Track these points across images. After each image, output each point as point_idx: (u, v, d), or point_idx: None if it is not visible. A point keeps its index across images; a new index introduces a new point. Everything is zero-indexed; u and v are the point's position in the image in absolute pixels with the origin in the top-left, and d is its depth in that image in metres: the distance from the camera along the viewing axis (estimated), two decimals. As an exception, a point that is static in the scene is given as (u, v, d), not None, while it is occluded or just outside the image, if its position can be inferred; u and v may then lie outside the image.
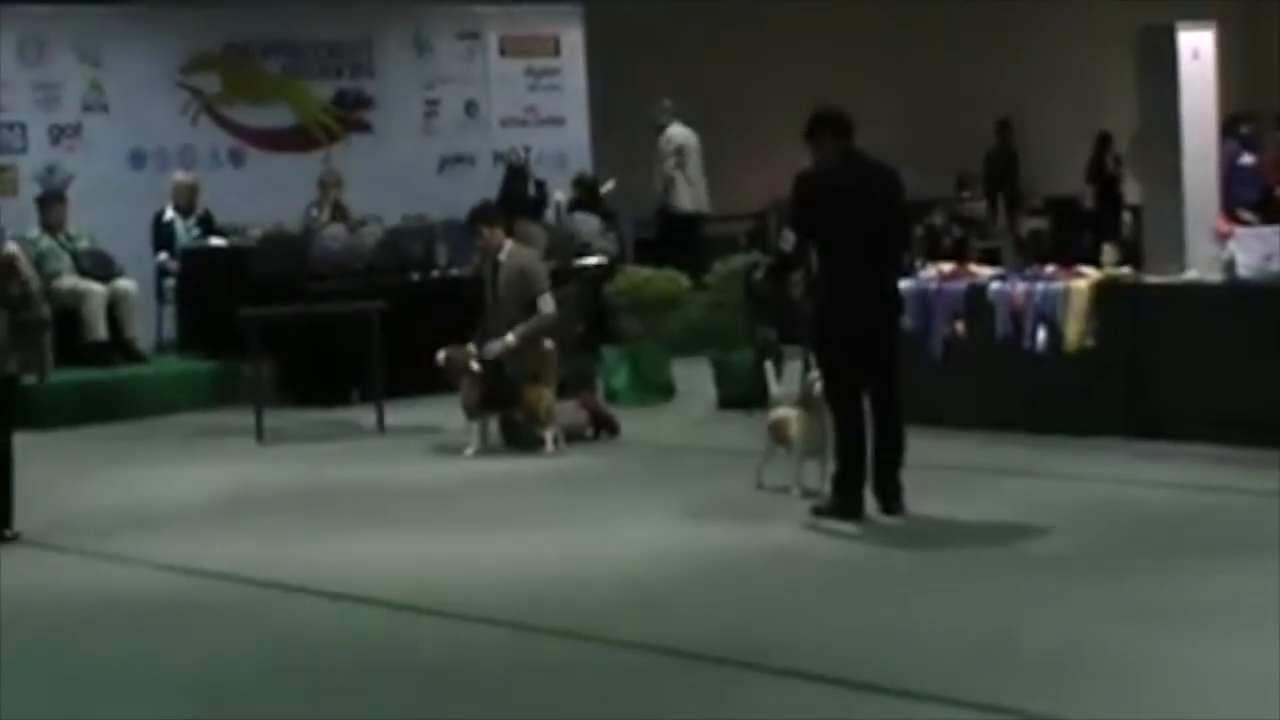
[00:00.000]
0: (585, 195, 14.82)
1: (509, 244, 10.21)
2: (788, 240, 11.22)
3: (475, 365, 9.89)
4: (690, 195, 15.61)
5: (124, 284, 12.01)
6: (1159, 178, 11.17)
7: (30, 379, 8.28)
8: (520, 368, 9.89)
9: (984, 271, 10.50)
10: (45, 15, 14.01)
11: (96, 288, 12.32)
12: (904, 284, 9.26)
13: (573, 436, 9.93)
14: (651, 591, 6.71)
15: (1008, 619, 6.13)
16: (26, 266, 8.34)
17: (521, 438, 9.94)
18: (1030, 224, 18.82)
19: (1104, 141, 18.18)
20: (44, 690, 5.90)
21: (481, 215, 10.46)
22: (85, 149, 14.05)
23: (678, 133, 15.59)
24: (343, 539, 7.86)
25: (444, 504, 8.63)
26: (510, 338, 9.90)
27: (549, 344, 9.95)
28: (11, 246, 8.41)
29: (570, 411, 10.06)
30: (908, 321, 9.38)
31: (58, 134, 14.00)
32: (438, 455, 9.94)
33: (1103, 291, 9.49)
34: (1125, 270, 10.04)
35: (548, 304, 10.01)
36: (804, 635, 6.07)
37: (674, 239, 15.12)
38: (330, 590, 6.88)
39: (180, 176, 13.59)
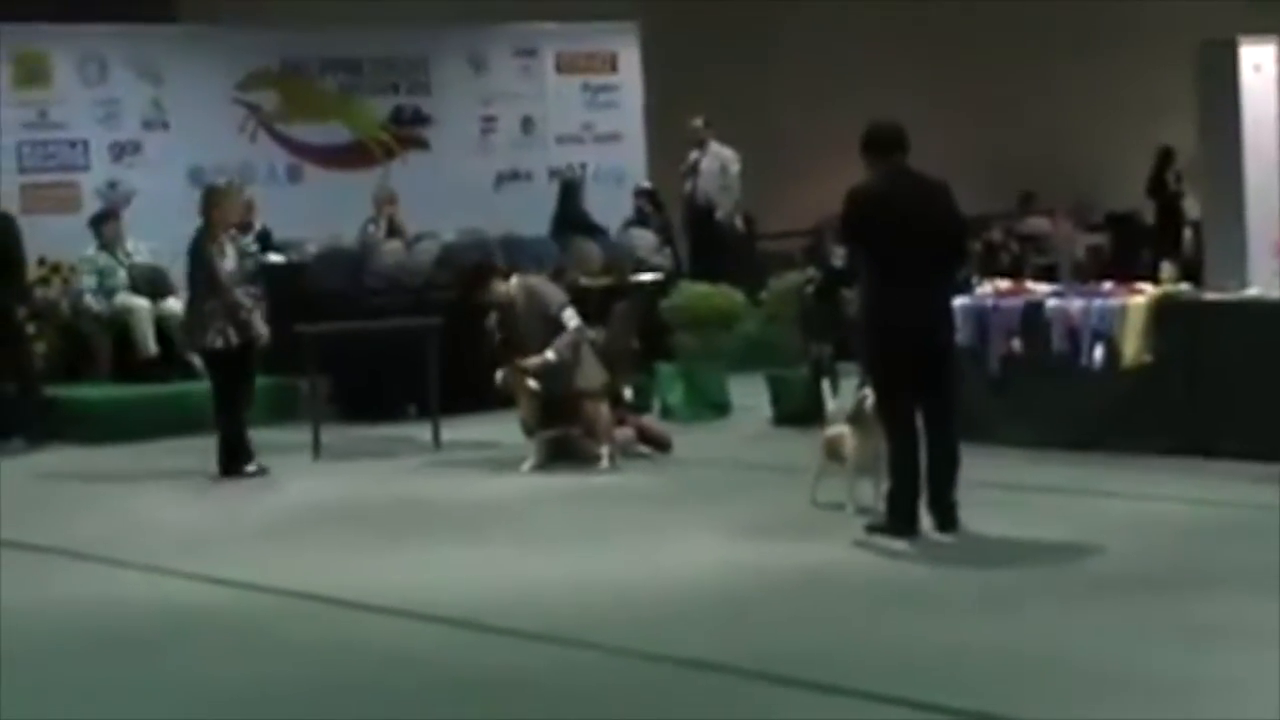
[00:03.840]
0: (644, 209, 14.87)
1: (514, 280, 10.21)
2: (839, 256, 11.28)
3: (534, 383, 9.95)
4: (729, 212, 15.68)
5: (171, 302, 12.13)
6: (1220, 193, 11.14)
7: None
8: (561, 384, 9.93)
9: (1041, 288, 10.47)
10: (105, 34, 14.24)
11: (144, 304, 12.45)
12: (960, 300, 9.38)
13: (624, 454, 9.96)
14: (705, 608, 6.74)
15: (1062, 638, 6.12)
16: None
17: (577, 454, 10.00)
18: (1090, 240, 18.76)
19: (1165, 157, 18.10)
20: (99, 703, 5.95)
21: (480, 278, 10.31)
22: (145, 165, 14.25)
23: (720, 151, 15.66)
24: (401, 555, 7.90)
25: (501, 520, 8.68)
26: (549, 354, 9.94)
27: (594, 361, 10.04)
28: None
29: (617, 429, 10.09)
30: (964, 338, 9.44)
31: (119, 151, 14.22)
32: (495, 471, 9.99)
33: (1160, 308, 9.47)
34: (1184, 287, 10.00)
35: (572, 318, 10.04)
36: (854, 653, 6.09)
37: (714, 248, 15.19)
38: (389, 606, 6.92)
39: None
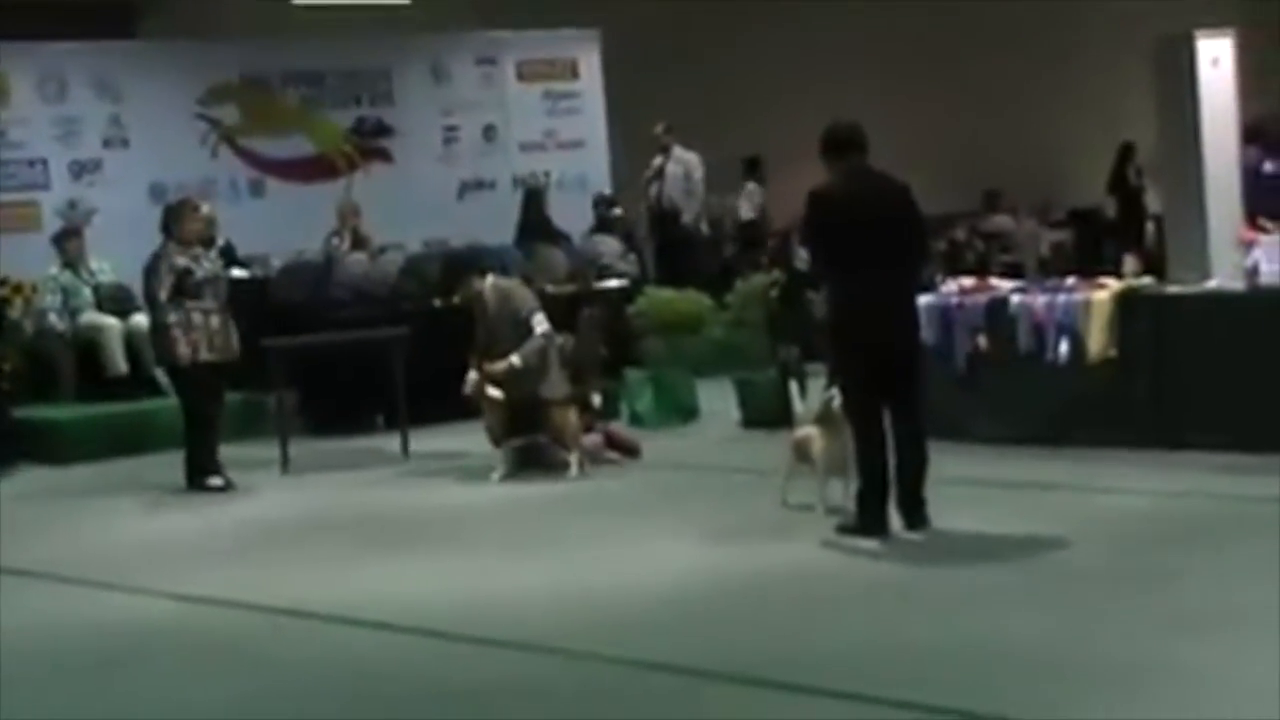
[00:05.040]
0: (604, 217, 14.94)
1: (489, 279, 10.26)
2: (803, 258, 11.29)
3: (497, 392, 9.94)
4: (694, 215, 15.77)
5: (139, 319, 12.02)
6: (1181, 187, 11.17)
7: None
8: (526, 390, 9.94)
9: (1005, 285, 10.50)
10: (64, 52, 14.21)
11: (113, 322, 12.40)
12: (925, 299, 9.40)
13: (593, 460, 9.97)
14: (676, 612, 6.74)
15: (1037, 634, 6.13)
16: None
17: (546, 462, 10.01)
18: (1053, 236, 18.84)
19: (1126, 152, 18.20)
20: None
21: (459, 275, 10.48)
22: (106, 184, 14.23)
23: (684, 156, 15.74)
24: (371, 566, 7.89)
25: (472, 529, 8.68)
26: (515, 359, 9.94)
27: (558, 367, 10.08)
28: None
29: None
30: (929, 336, 9.45)
31: (78, 169, 14.20)
32: (465, 480, 9.99)
33: (1124, 302, 9.51)
34: (1147, 280, 10.05)
35: (541, 323, 10.05)
36: (827, 652, 6.09)
37: (675, 249, 15.28)
38: (361, 618, 6.90)
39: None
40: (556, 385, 10.08)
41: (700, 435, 11.30)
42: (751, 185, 17.24)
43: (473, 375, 10.01)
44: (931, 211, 8.40)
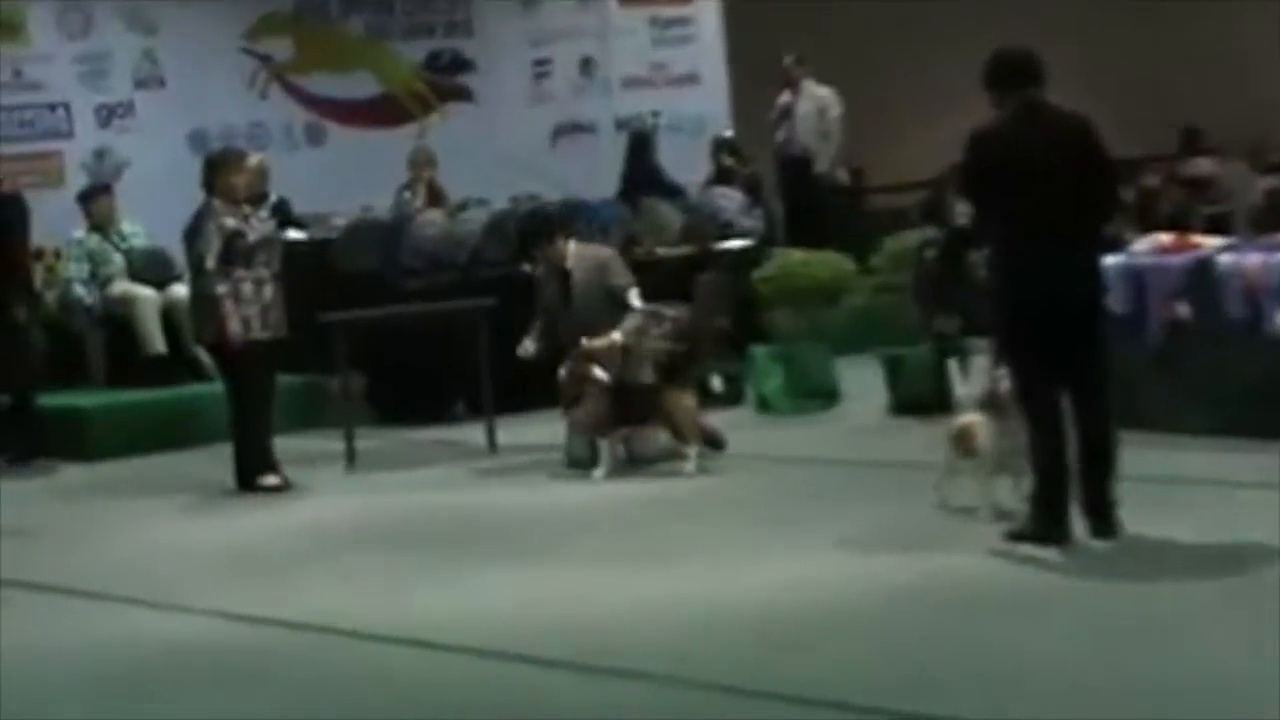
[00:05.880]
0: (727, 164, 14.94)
1: (572, 246, 10.38)
2: (963, 212, 11.08)
3: (602, 373, 9.99)
4: (830, 162, 15.79)
5: (178, 290, 12.14)
6: None
7: None
8: (632, 372, 10.03)
9: (1211, 242, 10.38)
10: (90, -22, 14.32)
11: (148, 293, 12.48)
12: (1112, 259, 9.31)
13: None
14: (816, 637, 6.73)
15: (1252, 666, 6.04)
16: None
17: (656, 456, 10.07)
18: (1269, 183, 18.53)
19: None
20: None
21: (542, 229, 10.59)
22: (139, 131, 14.39)
23: (817, 93, 15.71)
24: (453, 581, 7.93)
25: (569, 536, 8.72)
26: (618, 335, 10.02)
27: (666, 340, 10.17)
28: None
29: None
30: (1117, 305, 9.37)
31: (107, 115, 14.35)
32: (560, 479, 10.03)
33: (1357, 262, 9.39)
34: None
35: (637, 299, 10.15)
36: (992, 686, 6.04)
37: (813, 207, 15.31)
38: (442, 642, 6.94)
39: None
40: (663, 367, 10.17)
41: (840, 423, 11.29)
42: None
43: (564, 365, 10.07)
44: (1120, 154, 8.30)
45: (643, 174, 14.72)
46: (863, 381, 11.52)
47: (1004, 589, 7.20)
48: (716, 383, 10.65)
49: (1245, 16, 18.67)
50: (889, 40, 16.99)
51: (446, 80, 15.82)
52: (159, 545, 9.21)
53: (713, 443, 10.18)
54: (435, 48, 15.80)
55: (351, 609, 7.50)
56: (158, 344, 12.41)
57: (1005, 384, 7.93)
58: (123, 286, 12.60)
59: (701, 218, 13.93)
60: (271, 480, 10.17)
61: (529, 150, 15.55)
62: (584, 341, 10.08)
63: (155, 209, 12.71)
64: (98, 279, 12.65)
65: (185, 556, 8.88)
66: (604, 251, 10.67)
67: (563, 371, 10.10)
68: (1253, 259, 9.70)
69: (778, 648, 6.60)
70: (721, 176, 15.02)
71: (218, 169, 10.30)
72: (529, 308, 10.65)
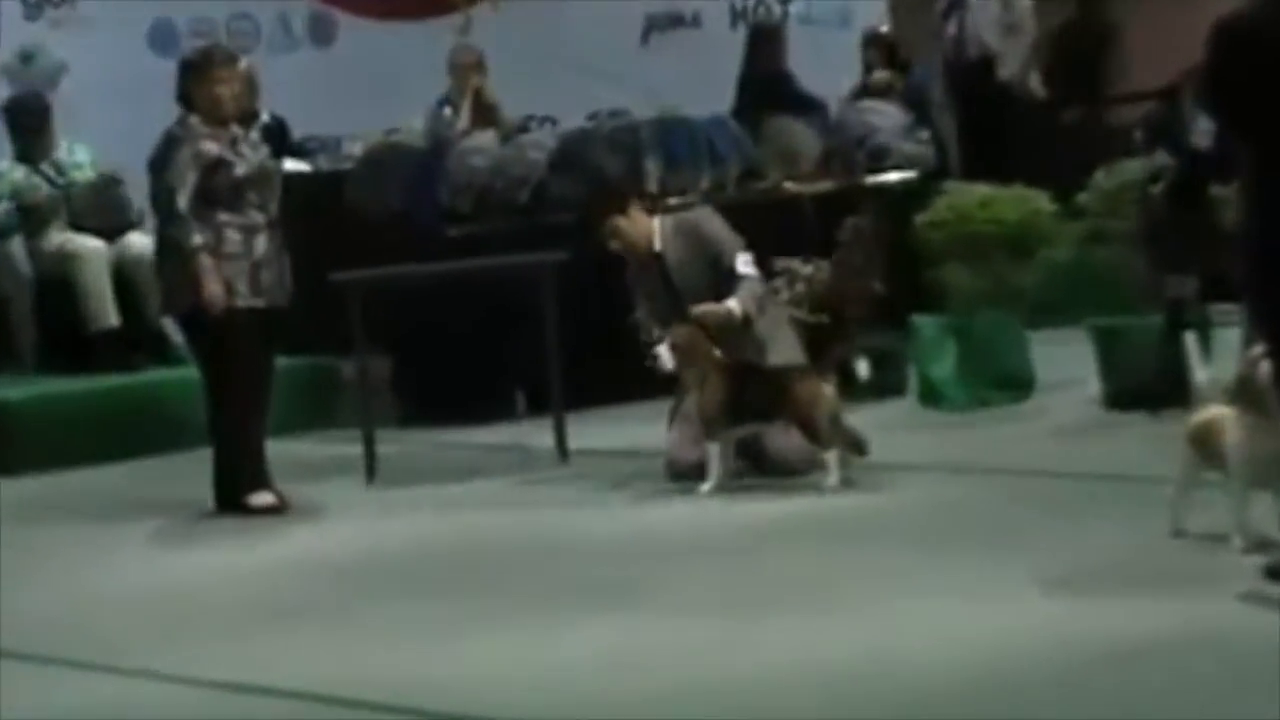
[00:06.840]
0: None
1: (657, 221, 10.37)
2: (1206, 133, 11.03)
3: (719, 353, 9.96)
4: (1021, 66, 15.85)
5: (136, 241, 12.15)
6: None
7: None
8: (749, 354, 10.05)
9: None
10: None
11: (95, 246, 12.49)
12: None
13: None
14: (999, 703, 6.64)
15: None
16: None
17: (783, 465, 10.02)
18: None
19: None
20: None
21: (603, 205, 10.48)
22: (81, 24, 14.31)
23: None
24: (508, 638, 7.86)
25: (671, 574, 8.64)
26: (733, 304, 10.02)
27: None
28: None
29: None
30: None
31: (38, 3, 14.19)
32: (653, 495, 9.98)
33: None
34: None
35: (748, 265, 10.23)
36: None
37: (997, 128, 15.42)
38: (492, 715, 6.88)
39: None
40: (792, 348, 10.18)
41: (1036, 421, 11.21)
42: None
43: (665, 341, 10.00)
44: None
45: (767, 82, 14.76)
46: (1067, 364, 11.51)
47: (1265, 647, 6.93)
48: (863, 367, 10.54)
49: None
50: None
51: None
52: (110, 590, 9.13)
53: (851, 447, 10.18)
54: (484, -91, 16.16)
55: (370, 676, 7.44)
56: (108, 315, 12.40)
57: (1265, 368, 7.71)
58: (61, 237, 12.57)
59: (846, 141, 13.86)
60: (264, 499, 10.08)
61: (612, 51, 15.50)
62: (694, 309, 10.13)
63: (105, 131, 12.75)
64: (26, 226, 12.59)
65: (146, 605, 8.81)
66: (692, 216, 10.67)
67: (662, 351, 9.97)
68: None
69: (960, 718, 6.80)
70: (873, 87, 15.07)
71: (197, 76, 10.17)
72: (612, 264, 10.55)
